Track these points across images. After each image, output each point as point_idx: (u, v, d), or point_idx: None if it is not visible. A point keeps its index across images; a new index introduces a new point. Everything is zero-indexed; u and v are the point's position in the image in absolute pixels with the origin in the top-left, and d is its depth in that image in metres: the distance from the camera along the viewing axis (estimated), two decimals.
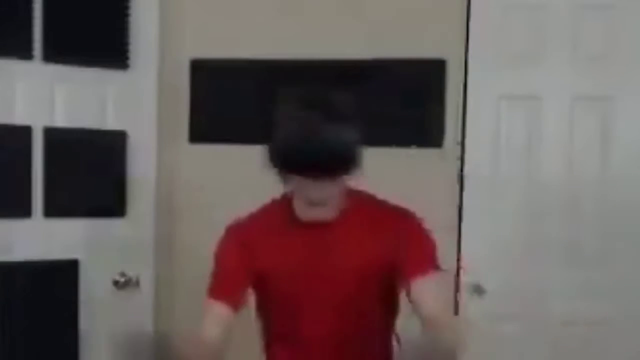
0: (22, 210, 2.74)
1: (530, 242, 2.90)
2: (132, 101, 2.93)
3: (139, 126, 2.94)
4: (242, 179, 3.01)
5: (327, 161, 1.67)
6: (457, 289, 2.90)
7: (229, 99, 3.08)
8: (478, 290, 2.87)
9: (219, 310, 1.80)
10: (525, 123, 2.92)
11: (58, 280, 2.81)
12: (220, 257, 1.88)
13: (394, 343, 1.95)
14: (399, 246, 1.81)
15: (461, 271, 2.90)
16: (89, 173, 2.84)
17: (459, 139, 2.93)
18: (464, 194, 2.93)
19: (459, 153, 2.93)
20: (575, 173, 2.89)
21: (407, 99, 2.95)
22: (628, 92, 2.85)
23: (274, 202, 1.90)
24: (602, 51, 2.85)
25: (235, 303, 1.82)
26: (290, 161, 1.69)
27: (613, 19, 2.84)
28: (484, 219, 2.90)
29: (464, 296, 2.89)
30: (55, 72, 2.78)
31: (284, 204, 1.85)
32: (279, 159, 1.70)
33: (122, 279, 2.92)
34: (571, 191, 2.89)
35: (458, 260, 2.90)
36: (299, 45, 3.00)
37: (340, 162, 1.69)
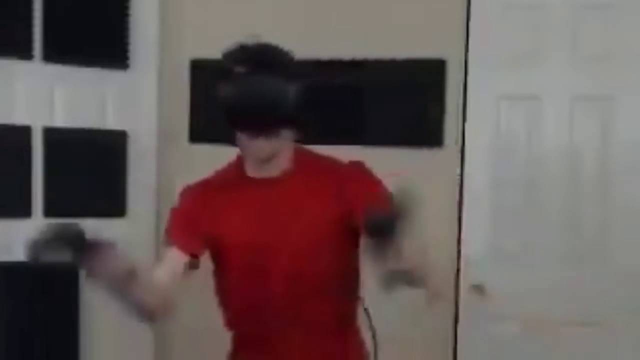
0: (22, 210, 2.74)
1: (529, 242, 2.91)
2: (132, 101, 2.93)
3: (139, 126, 2.95)
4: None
5: (257, 117, 1.73)
6: (457, 289, 2.90)
7: None
8: (478, 290, 2.87)
9: (171, 254, 1.81)
10: (525, 123, 2.92)
11: (58, 280, 2.81)
12: (176, 211, 1.90)
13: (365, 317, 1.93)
14: (346, 191, 1.81)
15: (461, 272, 2.90)
16: (89, 173, 2.84)
17: (459, 139, 2.94)
18: (464, 193, 2.93)
19: (459, 153, 2.93)
20: (575, 173, 2.89)
21: (407, 99, 2.95)
22: (628, 92, 2.85)
23: (229, 163, 1.93)
24: (602, 51, 2.85)
25: (189, 249, 1.82)
26: (226, 117, 1.75)
27: (613, 19, 2.84)
28: (484, 219, 2.90)
29: (464, 296, 2.89)
30: (55, 72, 2.78)
31: (238, 163, 1.89)
32: (224, 115, 1.76)
33: None
34: (571, 191, 2.89)
35: (458, 260, 2.90)
36: (299, 45, 2.99)
37: (271, 118, 1.74)
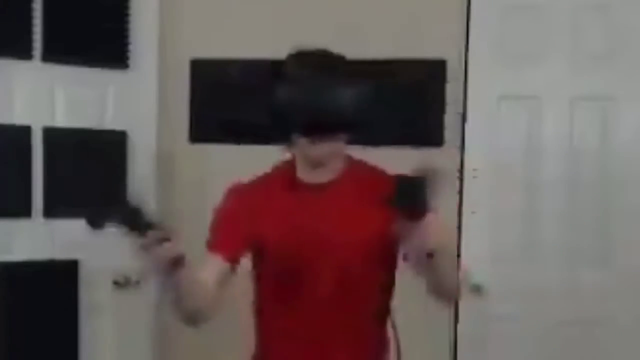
0: (22, 210, 2.74)
1: (530, 242, 2.91)
2: (132, 101, 2.93)
3: (139, 126, 2.94)
4: (242, 179, 3.01)
5: (330, 120, 1.74)
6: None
7: (229, 99, 3.08)
8: (478, 290, 2.87)
9: (215, 260, 1.80)
10: (525, 123, 2.92)
11: (58, 280, 2.81)
12: (220, 213, 1.89)
13: (390, 329, 1.94)
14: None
15: (460, 271, 2.89)
16: (89, 173, 2.84)
17: (459, 139, 2.94)
18: (464, 194, 2.93)
19: (459, 153, 2.93)
20: (575, 173, 2.89)
21: (407, 99, 2.95)
22: (628, 92, 2.85)
23: (277, 167, 1.91)
24: (602, 51, 2.85)
25: (232, 257, 1.81)
26: (292, 121, 1.74)
27: (613, 19, 2.84)
28: (483, 219, 2.90)
29: (464, 296, 2.89)
30: (55, 72, 2.78)
31: (287, 168, 1.87)
32: (282, 119, 1.76)
33: (122, 279, 2.91)
34: (571, 191, 2.90)
35: (457, 260, 2.90)
36: (298, 45, 2.99)
37: (341, 121, 1.75)
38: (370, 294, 1.88)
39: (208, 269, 1.79)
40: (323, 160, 1.81)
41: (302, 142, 1.78)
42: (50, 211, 2.77)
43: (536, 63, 2.89)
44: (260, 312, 1.93)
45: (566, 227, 2.89)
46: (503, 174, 2.93)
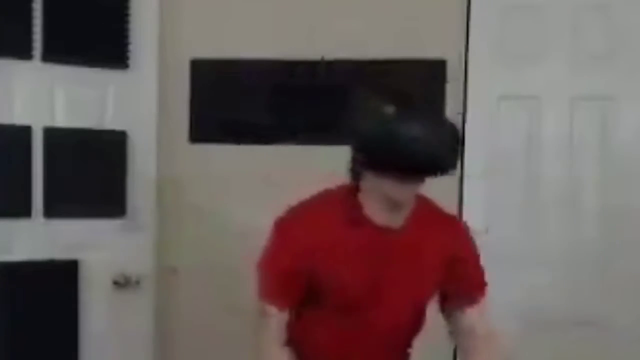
0: (22, 210, 2.74)
1: (530, 242, 2.91)
2: (132, 101, 2.92)
3: (139, 126, 2.94)
4: (242, 179, 3.02)
5: (435, 163, 1.64)
6: None
7: (229, 99, 3.08)
8: None
9: (278, 317, 1.80)
10: (525, 123, 2.92)
11: (58, 280, 2.81)
12: (270, 255, 1.79)
13: None
14: (455, 254, 1.86)
15: None
16: (89, 173, 2.84)
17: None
18: (464, 194, 2.93)
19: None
20: (575, 173, 2.90)
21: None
22: (628, 92, 2.85)
23: (331, 196, 1.80)
24: (602, 51, 2.85)
25: (292, 303, 1.80)
26: (390, 162, 1.62)
27: (613, 19, 2.84)
28: (483, 219, 2.90)
29: None
30: (55, 72, 2.77)
31: (347, 201, 1.77)
32: (378, 159, 1.64)
33: (122, 279, 2.91)
34: (571, 191, 2.90)
35: None
36: (299, 45, 3.00)
37: (445, 164, 1.66)
38: (418, 328, 1.95)
39: (280, 330, 1.80)
40: (406, 203, 1.73)
41: (387, 182, 1.66)
42: (50, 211, 2.77)
43: (536, 63, 2.89)
44: (307, 335, 1.88)
45: (566, 227, 2.89)
46: (503, 174, 2.93)
